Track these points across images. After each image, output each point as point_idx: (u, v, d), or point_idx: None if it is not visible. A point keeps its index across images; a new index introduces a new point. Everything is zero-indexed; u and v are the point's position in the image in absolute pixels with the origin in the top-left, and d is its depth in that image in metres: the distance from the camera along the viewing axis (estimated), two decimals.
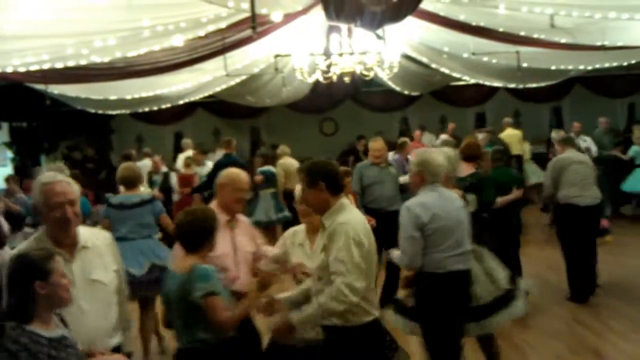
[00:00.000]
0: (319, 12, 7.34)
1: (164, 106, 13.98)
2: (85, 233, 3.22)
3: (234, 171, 4.49)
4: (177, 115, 16.89)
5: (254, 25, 5.87)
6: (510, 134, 13.53)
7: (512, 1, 6.33)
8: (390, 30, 9.25)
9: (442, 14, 8.00)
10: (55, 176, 3.14)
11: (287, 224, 9.26)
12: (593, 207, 7.24)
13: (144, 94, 11.83)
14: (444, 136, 12.58)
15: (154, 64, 9.44)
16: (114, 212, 5.93)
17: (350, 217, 3.48)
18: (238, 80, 12.10)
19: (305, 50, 9.28)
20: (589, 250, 7.37)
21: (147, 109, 14.26)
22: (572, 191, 7.23)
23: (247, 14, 6.42)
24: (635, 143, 11.80)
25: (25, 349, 2.49)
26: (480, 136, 10.07)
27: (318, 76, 9.57)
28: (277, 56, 10.08)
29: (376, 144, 7.71)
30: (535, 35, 8.33)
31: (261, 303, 3.70)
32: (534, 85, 14.78)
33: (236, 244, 4.27)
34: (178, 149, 15.55)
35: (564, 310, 7.02)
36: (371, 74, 9.81)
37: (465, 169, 5.86)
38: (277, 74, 11.58)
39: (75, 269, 3.06)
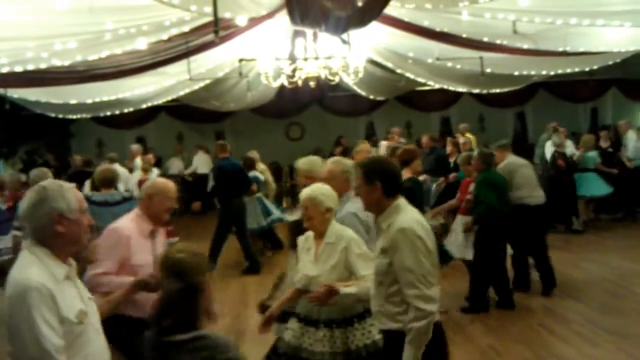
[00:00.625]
0: (284, 16, 7.28)
1: (126, 110, 13.80)
2: None
3: (162, 181, 4.48)
4: (139, 119, 16.68)
5: (217, 30, 5.80)
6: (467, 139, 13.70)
7: (476, 7, 6.35)
8: (355, 35, 9.24)
9: (406, 19, 8.01)
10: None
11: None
12: (542, 206, 7.76)
13: (105, 98, 11.63)
14: (384, 143, 12.56)
15: (116, 68, 9.28)
16: (97, 209, 6.16)
17: (410, 221, 3.38)
18: (202, 84, 11.97)
19: (270, 54, 9.22)
20: (542, 247, 7.74)
21: (108, 113, 14.02)
22: (523, 192, 7.70)
23: (210, 18, 6.35)
24: (582, 148, 11.98)
25: None
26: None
27: (283, 81, 9.53)
28: (241, 60, 10.00)
29: (365, 146, 8.11)
30: (499, 41, 8.40)
31: (320, 290, 3.70)
32: (497, 90, 14.94)
33: (157, 254, 4.18)
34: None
35: (530, 315, 7.07)
36: (336, 79, 9.80)
37: (404, 174, 5.95)
38: (242, 79, 11.48)
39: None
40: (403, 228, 3.32)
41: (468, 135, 13.83)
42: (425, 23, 8.00)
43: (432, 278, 3.32)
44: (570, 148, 12.29)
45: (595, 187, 11.42)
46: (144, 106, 13.75)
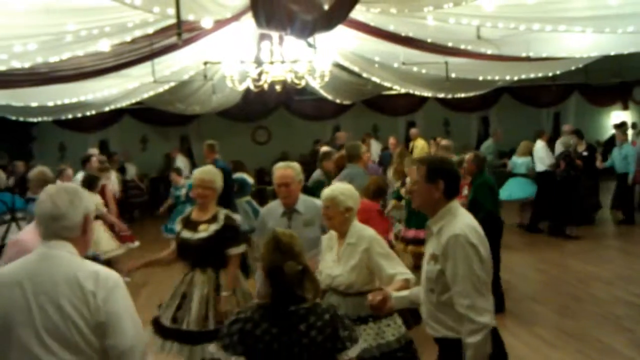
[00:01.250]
0: (249, 19, 7.23)
1: (88, 113, 13.57)
2: None
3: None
4: (102, 122, 16.47)
5: (179, 32, 5.72)
6: (418, 145, 13.95)
7: (440, 13, 6.38)
8: (322, 39, 9.23)
9: (372, 24, 8.01)
10: None
11: None
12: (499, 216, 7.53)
13: (67, 101, 11.41)
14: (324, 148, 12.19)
15: (78, 70, 9.11)
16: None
17: (464, 227, 3.21)
18: (167, 86, 11.84)
19: (235, 57, 9.16)
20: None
21: (70, 116, 13.78)
22: None
23: (174, 20, 6.26)
24: (517, 154, 12.15)
25: None
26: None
27: (249, 84, 9.47)
28: (206, 63, 9.90)
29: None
30: (463, 47, 8.44)
31: (376, 299, 3.54)
32: (462, 95, 15.08)
33: None
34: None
35: None
36: (303, 83, 9.77)
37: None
38: (207, 82, 11.39)
39: None
40: (456, 234, 3.17)
41: (420, 140, 13.96)
42: (391, 28, 8.01)
43: (485, 288, 3.19)
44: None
45: (518, 190, 11.61)
46: (107, 109, 13.53)
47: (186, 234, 4.98)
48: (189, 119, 17.03)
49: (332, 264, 4.16)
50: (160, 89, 12.02)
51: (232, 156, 13.75)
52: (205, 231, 4.90)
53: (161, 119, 16.80)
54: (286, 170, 5.02)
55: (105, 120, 16.28)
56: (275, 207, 5.13)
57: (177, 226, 5.11)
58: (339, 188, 4.28)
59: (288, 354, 2.79)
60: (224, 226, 4.93)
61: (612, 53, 9.00)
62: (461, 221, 3.26)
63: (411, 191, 3.51)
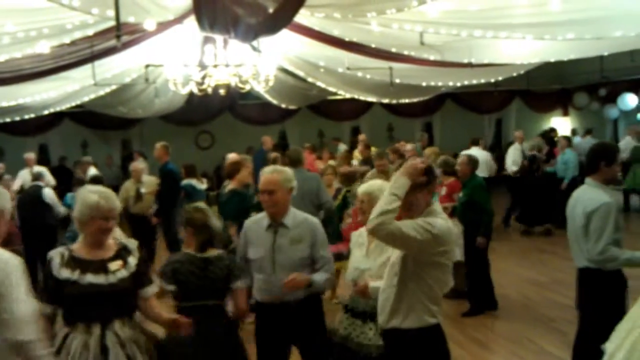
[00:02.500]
0: (193, 22, 7.12)
1: (27, 116, 13.19)
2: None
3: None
4: (41, 126, 15.94)
5: (119, 34, 5.59)
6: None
7: (384, 18, 6.41)
8: (267, 42, 9.18)
9: (316, 28, 8.01)
10: None
11: None
12: None
13: (4, 104, 11.07)
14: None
15: (16, 72, 8.87)
16: None
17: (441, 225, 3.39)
18: (108, 89, 11.58)
19: (178, 60, 9.02)
20: None
21: (8, 120, 13.36)
22: None
23: (114, 22, 6.12)
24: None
25: None
26: None
27: (192, 88, 9.34)
28: (147, 66, 9.72)
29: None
30: (406, 52, 8.53)
31: (357, 288, 4.08)
32: (406, 100, 15.25)
33: None
34: (42, 161, 14.63)
35: None
36: (247, 87, 9.69)
37: (229, 186, 6.26)
38: (149, 85, 11.19)
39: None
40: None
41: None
42: (335, 32, 8.03)
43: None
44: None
45: None
46: (46, 112, 13.20)
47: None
48: (131, 122, 16.68)
49: (361, 259, 4.20)
50: (102, 92, 11.77)
51: (175, 161, 13.57)
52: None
53: (102, 123, 16.37)
54: (272, 175, 4.28)
55: (44, 123, 15.78)
56: (260, 219, 4.40)
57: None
58: (377, 184, 4.26)
59: (202, 284, 4.07)
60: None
61: (552, 59, 9.24)
62: (441, 221, 3.41)
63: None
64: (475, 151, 11.95)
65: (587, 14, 6.02)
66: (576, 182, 11.78)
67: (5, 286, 2.99)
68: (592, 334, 4.40)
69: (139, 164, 10.30)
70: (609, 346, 4.07)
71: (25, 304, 3.05)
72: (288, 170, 4.36)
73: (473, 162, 7.64)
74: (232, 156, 9.21)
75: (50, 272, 3.45)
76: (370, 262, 4.12)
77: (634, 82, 16.46)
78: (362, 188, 4.33)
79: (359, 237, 4.33)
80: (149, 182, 9.86)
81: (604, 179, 4.57)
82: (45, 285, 3.49)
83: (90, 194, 3.56)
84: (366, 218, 4.20)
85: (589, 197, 4.50)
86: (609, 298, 4.46)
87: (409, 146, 10.82)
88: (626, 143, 13.66)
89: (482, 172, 11.59)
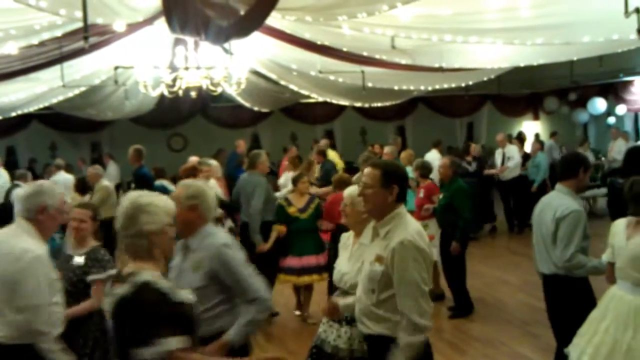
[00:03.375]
0: (163, 23, 7.05)
1: None
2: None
3: None
4: (9, 128, 15.70)
5: (87, 36, 5.50)
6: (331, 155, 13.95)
7: (355, 22, 6.40)
8: (238, 45, 9.13)
9: (288, 31, 7.98)
10: None
11: None
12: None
13: None
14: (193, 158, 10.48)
15: None
16: None
17: (413, 232, 3.33)
18: (77, 91, 11.41)
19: (148, 62, 8.93)
20: None
21: None
22: None
23: (82, 23, 6.03)
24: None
25: None
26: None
27: (163, 90, 9.24)
28: (117, 68, 9.60)
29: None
30: (378, 56, 8.53)
31: (326, 307, 3.92)
32: (379, 104, 15.28)
33: None
34: (10, 164, 14.39)
35: None
36: (219, 89, 9.62)
37: None
38: (120, 87, 11.06)
39: None
40: (406, 239, 3.27)
41: (330, 151, 13.98)
42: (307, 36, 8.00)
43: (427, 291, 3.32)
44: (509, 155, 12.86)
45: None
46: (13, 114, 12.97)
47: None
48: (101, 125, 16.50)
49: (345, 261, 4.18)
50: (70, 94, 11.60)
51: (147, 164, 13.44)
52: None
53: (71, 125, 16.15)
54: (176, 189, 3.89)
55: (12, 125, 15.53)
56: None
57: None
58: None
59: None
60: None
61: (522, 64, 9.29)
62: (410, 226, 3.37)
63: (363, 194, 3.51)
64: (433, 154, 12.05)
65: (556, 19, 6.08)
66: (546, 185, 11.96)
67: (18, 279, 3.32)
68: (567, 341, 4.42)
69: (92, 169, 10.25)
70: (572, 349, 4.12)
71: (40, 295, 3.38)
72: (195, 186, 3.76)
73: (455, 164, 7.75)
74: (192, 160, 9.18)
75: None
76: (351, 265, 4.12)
77: (603, 87, 16.73)
78: (346, 192, 4.36)
79: (347, 239, 4.33)
80: (98, 188, 9.74)
81: (578, 186, 4.64)
82: None
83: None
84: (349, 221, 4.24)
85: (558, 203, 4.55)
86: (580, 305, 4.49)
87: (387, 149, 10.84)
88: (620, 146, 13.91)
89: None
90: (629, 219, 4.07)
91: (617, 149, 14.01)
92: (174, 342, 2.60)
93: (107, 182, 10.29)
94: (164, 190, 9.39)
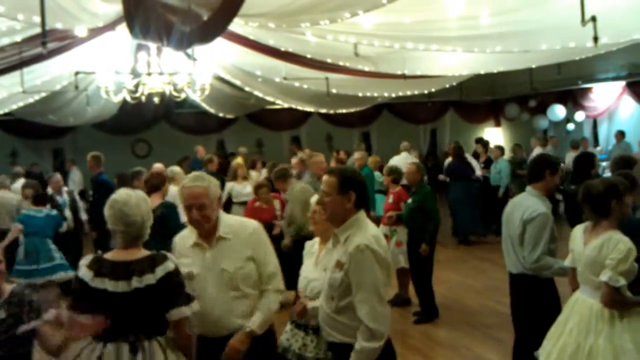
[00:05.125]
0: (125, 29, 6.98)
1: None
2: (229, 224, 3.72)
3: None
4: None
5: (45, 41, 5.41)
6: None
7: (318, 29, 6.43)
8: (202, 51, 9.09)
9: (251, 37, 7.97)
10: (194, 180, 3.62)
11: None
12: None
13: None
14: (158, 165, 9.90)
15: None
16: None
17: (371, 237, 3.30)
18: (37, 97, 11.23)
19: (110, 68, 8.84)
20: None
21: None
22: None
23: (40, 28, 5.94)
24: None
25: None
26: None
27: (125, 96, 9.15)
28: (77, 73, 9.46)
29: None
30: (341, 63, 8.58)
31: (295, 309, 3.87)
32: (344, 110, 15.35)
33: None
34: None
35: None
36: (182, 95, 9.57)
37: (153, 200, 5.91)
38: (81, 92, 10.91)
39: (208, 257, 3.64)
40: (362, 244, 3.24)
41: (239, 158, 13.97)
42: (271, 42, 8.01)
43: (385, 296, 3.30)
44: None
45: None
46: None
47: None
48: (63, 131, 16.28)
49: (311, 268, 4.10)
50: (31, 100, 11.40)
51: (111, 170, 13.29)
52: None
53: (32, 132, 15.91)
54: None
55: None
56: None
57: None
58: None
59: None
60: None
61: (482, 71, 9.44)
62: (368, 231, 3.36)
63: (321, 202, 3.50)
64: (398, 159, 12.17)
65: (514, 27, 6.18)
66: (509, 190, 12.17)
67: None
68: (530, 341, 4.55)
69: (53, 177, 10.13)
70: (541, 353, 4.19)
71: None
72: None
73: (422, 169, 7.83)
74: (157, 166, 9.07)
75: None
76: (318, 272, 4.06)
77: (562, 94, 17.05)
78: (313, 199, 4.28)
79: (312, 246, 4.28)
80: None
81: (546, 188, 4.74)
82: None
83: None
84: (317, 228, 4.17)
85: (527, 205, 4.65)
86: (544, 304, 4.63)
87: (357, 154, 10.89)
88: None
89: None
90: (586, 224, 4.13)
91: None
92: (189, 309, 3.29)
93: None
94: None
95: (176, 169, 8.83)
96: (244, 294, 3.67)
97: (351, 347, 3.29)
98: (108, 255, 3.34)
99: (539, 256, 4.49)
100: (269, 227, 7.72)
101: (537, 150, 14.54)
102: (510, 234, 4.78)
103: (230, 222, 3.79)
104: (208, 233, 3.69)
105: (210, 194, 3.63)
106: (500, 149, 13.27)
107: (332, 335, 3.44)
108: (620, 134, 14.42)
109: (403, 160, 11.83)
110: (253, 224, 3.87)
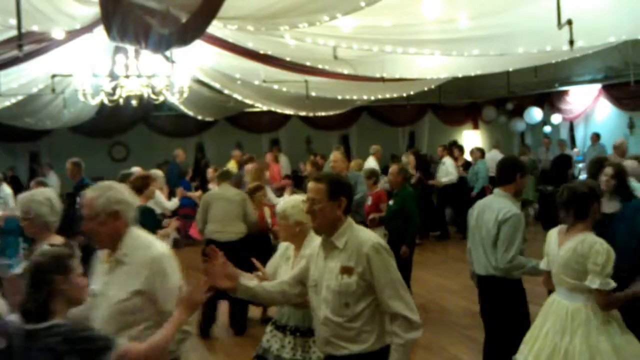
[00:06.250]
0: (103, 31, 6.93)
1: None
2: (132, 245, 3.22)
3: None
4: None
5: (21, 44, 5.36)
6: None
7: (297, 32, 6.44)
8: (180, 53, 9.06)
9: (230, 40, 7.96)
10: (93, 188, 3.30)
11: None
12: (233, 243, 7.17)
13: None
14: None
15: None
16: None
17: (372, 236, 3.34)
18: (14, 100, 11.10)
19: (88, 70, 8.78)
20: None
21: None
22: (214, 227, 7.49)
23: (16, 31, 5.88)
24: None
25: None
26: None
27: (102, 98, 9.09)
28: (54, 76, 9.38)
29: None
30: (320, 66, 8.60)
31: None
32: (323, 113, 15.37)
33: None
34: None
35: None
36: (161, 98, 9.53)
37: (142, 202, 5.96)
38: (57, 95, 10.81)
39: (105, 278, 3.23)
40: (377, 243, 3.26)
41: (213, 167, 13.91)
42: (250, 45, 8.00)
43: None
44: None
45: None
46: None
47: None
48: (39, 134, 16.07)
49: (288, 271, 4.04)
50: (7, 103, 11.27)
51: (87, 174, 13.17)
52: None
53: (9, 135, 15.67)
54: None
55: None
56: None
57: None
58: (289, 202, 4.16)
59: None
60: None
61: (460, 74, 9.53)
62: (368, 231, 3.41)
63: (311, 211, 3.36)
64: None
65: (491, 31, 6.24)
66: (485, 192, 12.26)
67: None
68: (500, 341, 4.68)
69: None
70: (518, 356, 4.23)
71: None
72: None
73: (404, 171, 7.88)
74: (136, 170, 8.99)
75: None
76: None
77: (539, 97, 17.20)
78: (278, 207, 4.28)
79: (286, 250, 4.27)
80: None
81: (516, 190, 4.81)
82: None
83: None
84: (284, 236, 4.20)
85: (499, 206, 4.71)
86: (513, 305, 4.70)
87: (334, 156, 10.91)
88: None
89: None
90: (561, 227, 4.18)
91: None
92: None
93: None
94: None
95: (158, 172, 8.77)
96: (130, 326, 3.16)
97: (365, 355, 3.25)
98: None
99: (513, 256, 4.55)
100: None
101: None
102: (481, 236, 4.82)
103: (135, 243, 3.28)
104: (110, 250, 3.30)
105: (95, 205, 3.19)
106: (480, 150, 13.41)
107: (345, 347, 3.28)
108: (596, 136, 14.60)
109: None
110: (158, 250, 3.30)
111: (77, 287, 2.78)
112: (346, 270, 3.25)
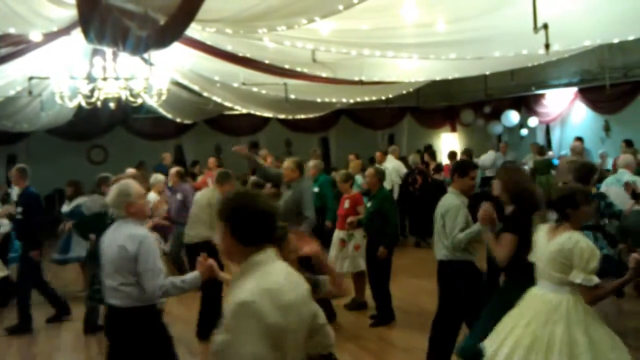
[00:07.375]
0: (80, 33, 6.89)
1: None
2: None
3: None
4: None
5: None
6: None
7: (275, 35, 6.45)
8: (159, 56, 9.03)
9: (209, 42, 7.96)
10: None
11: None
12: (199, 244, 7.08)
13: None
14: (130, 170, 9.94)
15: None
16: None
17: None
18: None
19: (65, 73, 8.72)
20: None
21: None
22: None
23: None
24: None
25: None
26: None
27: (80, 101, 9.03)
28: (31, 78, 9.30)
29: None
30: (299, 69, 8.62)
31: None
32: (302, 116, 15.40)
33: None
34: None
35: None
36: (139, 100, 9.49)
37: None
38: (35, 98, 10.71)
39: None
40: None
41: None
42: (229, 47, 8.00)
43: None
44: None
45: None
46: None
47: None
48: (16, 137, 15.92)
49: None
50: None
51: (65, 177, 13.06)
52: None
53: None
54: None
55: None
56: None
57: None
58: None
59: None
60: None
61: (438, 78, 9.59)
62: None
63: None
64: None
65: (468, 35, 6.30)
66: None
67: None
68: (448, 313, 5.68)
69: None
70: (488, 344, 4.33)
71: None
72: None
73: (380, 173, 7.93)
74: (130, 171, 8.98)
75: None
76: None
77: (516, 100, 17.38)
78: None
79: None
80: None
81: (460, 189, 5.64)
82: None
83: None
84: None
85: (443, 202, 5.66)
86: (462, 283, 5.52)
87: (312, 162, 10.91)
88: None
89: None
90: (550, 224, 4.40)
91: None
92: None
93: None
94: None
95: (159, 177, 8.79)
96: None
97: None
98: None
99: (455, 236, 5.42)
100: None
101: (490, 155, 15.02)
102: (436, 227, 5.67)
103: None
104: None
105: None
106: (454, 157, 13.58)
107: None
108: (579, 140, 14.66)
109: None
110: None
111: None
112: None
